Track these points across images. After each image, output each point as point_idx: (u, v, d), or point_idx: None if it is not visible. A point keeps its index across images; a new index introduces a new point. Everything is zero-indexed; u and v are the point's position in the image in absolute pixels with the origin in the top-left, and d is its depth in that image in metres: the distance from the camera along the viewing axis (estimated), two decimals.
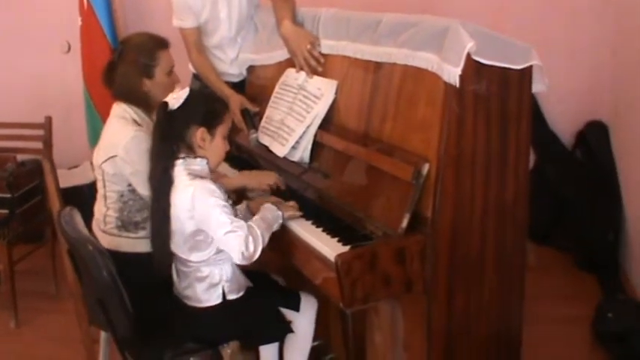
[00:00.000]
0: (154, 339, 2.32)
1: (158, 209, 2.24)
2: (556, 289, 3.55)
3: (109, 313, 2.23)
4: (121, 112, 2.55)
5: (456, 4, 3.91)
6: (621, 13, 3.74)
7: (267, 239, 2.20)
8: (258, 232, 2.17)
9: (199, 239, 2.22)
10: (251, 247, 2.14)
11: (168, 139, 2.24)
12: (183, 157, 2.25)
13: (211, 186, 2.19)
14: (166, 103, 2.23)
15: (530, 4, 3.92)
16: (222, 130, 2.29)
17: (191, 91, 2.26)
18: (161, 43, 2.58)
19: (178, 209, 2.20)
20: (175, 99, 2.23)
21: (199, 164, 2.26)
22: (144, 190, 2.47)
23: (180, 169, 2.23)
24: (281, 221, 2.30)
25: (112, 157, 2.47)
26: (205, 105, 2.29)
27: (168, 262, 2.31)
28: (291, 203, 2.40)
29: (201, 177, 2.23)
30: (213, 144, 2.28)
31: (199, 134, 2.24)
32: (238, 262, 2.21)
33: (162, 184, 2.22)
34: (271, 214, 2.28)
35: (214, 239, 2.20)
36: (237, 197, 2.63)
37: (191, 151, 2.26)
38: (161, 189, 2.22)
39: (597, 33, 3.90)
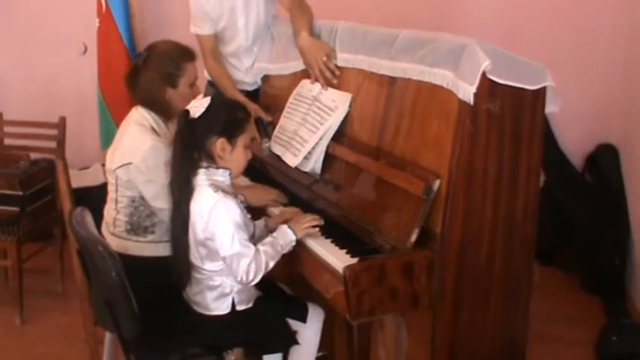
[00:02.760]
0: (159, 342, 2.33)
1: (178, 218, 2.24)
2: (560, 310, 3.55)
3: (115, 315, 2.24)
4: (140, 119, 2.56)
5: (469, 22, 3.94)
6: (634, 37, 3.76)
7: (271, 265, 2.21)
8: (263, 260, 2.18)
9: (211, 246, 2.22)
10: (251, 275, 2.16)
11: (190, 148, 2.23)
12: (206, 167, 2.25)
13: (233, 204, 2.19)
14: (188, 111, 2.23)
15: (543, 26, 3.94)
16: (243, 140, 2.28)
17: (212, 99, 2.25)
18: (188, 55, 2.59)
19: (195, 217, 2.21)
20: (197, 107, 2.22)
21: (222, 175, 2.26)
22: (154, 200, 2.48)
23: (203, 179, 2.23)
24: (294, 244, 2.26)
25: (127, 164, 2.47)
26: (226, 114, 2.27)
27: (187, 271, 2.31)
28: (309, 218, 2.34)
29: (224, 190, 2.22)
30: (233, 154, 2.26)
31: (219, 144, 2.23)
32: (237, 283, 2.23)
33: (183, 192, 2.23)
34: (284, 240, 2.24)
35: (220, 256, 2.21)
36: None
37: (212, 161, 2.25)
38: (182, 197, 2.23)
39: (610, 56, 3.91)
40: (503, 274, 2.25)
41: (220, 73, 3.20)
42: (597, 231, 3.75)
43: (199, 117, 2.22)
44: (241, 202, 2.31)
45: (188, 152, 2.24)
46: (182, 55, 2.58)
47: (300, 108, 2.77)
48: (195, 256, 2.27)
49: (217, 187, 2.22)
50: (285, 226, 2.28)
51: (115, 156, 2.55)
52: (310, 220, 2.32)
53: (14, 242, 3.49)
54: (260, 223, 2.47)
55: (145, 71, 2.55)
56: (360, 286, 1.98)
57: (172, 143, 2.30)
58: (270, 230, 2.40)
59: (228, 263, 2.19)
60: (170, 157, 2.32)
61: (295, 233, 2.26)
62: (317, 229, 2.32)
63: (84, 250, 2.36)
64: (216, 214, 2.17)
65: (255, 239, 2.32)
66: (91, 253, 2.25)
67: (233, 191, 2.31)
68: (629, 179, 3.80)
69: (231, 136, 2.25)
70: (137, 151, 2.46)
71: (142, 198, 2.53)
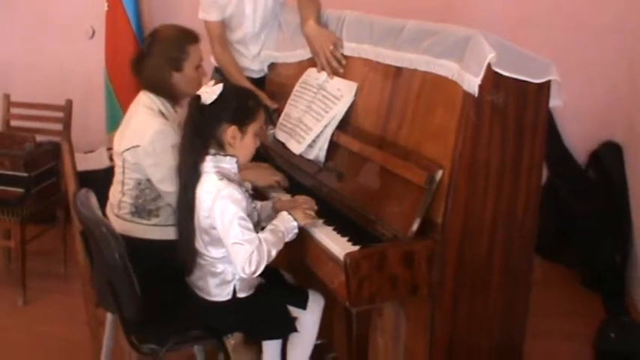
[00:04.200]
0: (160, 324, 2.34)
1: (185, 203, 2.25)
2: (559, 305, 3.55)
3: (117, 296, 2.26)
4: (148, 103, 2.57)
5: (476, 15, 3.94)
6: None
7: (274, 254, 2.20)
8: (265, 249, 2.17)
9: (214, 234, 2.23)
10: (253, 266, 2.15)
11: (200, 134, 2.23)
12: (214, 154, 2.25)
13: (237, 194, 2.18)
14: (199, 97, 2.23)
15: (549, 21, 3.93)
16: (253, 128, 2.27)
17: (225, 86, 2.24)
18: (191, 37, 2.60)
19: (200, 204, 2.21)
20: (209, 93, 2.21)
21: (229, 163, 2.26)
22: (160, 183, 2.50)
23: (210, 165, 2.23)
24: (296, 231, 2.26)
25: (135, 146, 2.49)
26: (238, 102, 2.26)
27: (192, 257, 2.30)
28: (302, 201, 2.38)
29: (229, 178, 2.22)
30: (243, 142, 2.26)
31: (230, 132, 2.23)
32: (240, 274, 2.23)
33: (190, 178, 2.23)
34: (284, 226, 2.24)
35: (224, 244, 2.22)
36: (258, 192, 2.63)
37: (221, 148, 2.25)
38: (189, 183, 2.23)
39: (616, 53, 3.91)
40: (503, 267, 2.26)
41: (227, 59, 3.21)
42: (599, 228, 3.75)
43: (211, 103, 2.22)
44: (246, 190, 2.32)
45: (198, 138, 2.24)
46: (186, 38, 2.60)
47: (305, 96, 2.78)
48: (198, 243, 2.28)
49: (223, 175, 2.22)
50: (284, 212, 2.28)
51: (123, 139, 2.57)
52: (305, 204, 2.33)
53: (18, 223, 3.51)
54: (267, 204, 2.47)
55: (150, 57, 2.57)
56: (360, 274, 1.99)
57: (182, 128, 2.31)
58: (276, 211, 2.40)
59: (229, 253, 2.19)
60: (179, 141, 2.33)
61: (295, 219, 2.26)
62: (317, 217, 2.32)
63: (87, 230, 2.37)
64: (219, 202, 2.17)
65: (263, 220, 2.35)
66: (94, 234, 2.26)
67: (239, 179, 2.32)
68: (632, 177, 3.80)
69: (242, 124, 2.25)
70: (145, 134, 2.47)
71: (149, 181, 2.55)
